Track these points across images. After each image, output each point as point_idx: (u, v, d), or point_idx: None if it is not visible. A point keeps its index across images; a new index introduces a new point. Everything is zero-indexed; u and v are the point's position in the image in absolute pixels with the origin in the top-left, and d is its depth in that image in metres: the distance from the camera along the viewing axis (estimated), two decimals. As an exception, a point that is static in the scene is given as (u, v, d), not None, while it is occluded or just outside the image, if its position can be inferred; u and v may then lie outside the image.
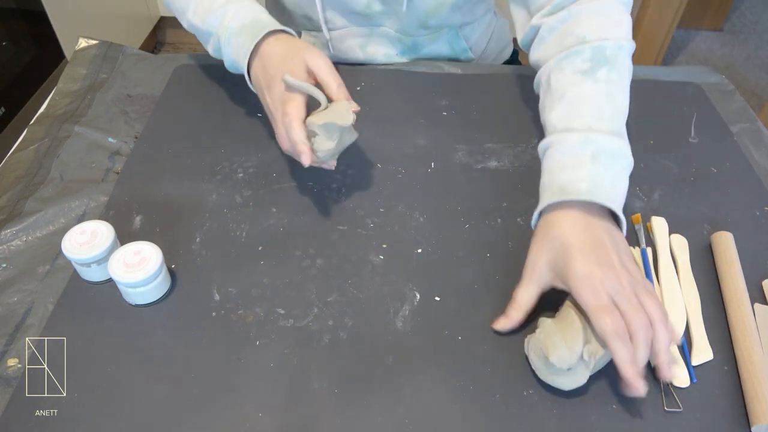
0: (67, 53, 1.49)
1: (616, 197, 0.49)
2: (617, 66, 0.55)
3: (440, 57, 0.83)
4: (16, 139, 0.68)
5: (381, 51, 0.80)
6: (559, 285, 0.48)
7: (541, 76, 0.61)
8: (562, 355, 0.45)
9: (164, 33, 2.15)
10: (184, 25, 0.68)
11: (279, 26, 0.60)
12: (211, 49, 0.66)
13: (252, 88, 0.62)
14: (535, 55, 0.63)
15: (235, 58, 0.62)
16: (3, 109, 1.32)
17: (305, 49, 0.57)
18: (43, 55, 1.44)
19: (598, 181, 0.48)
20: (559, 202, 0.49)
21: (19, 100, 1.37)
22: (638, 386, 0.42)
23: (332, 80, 0.55)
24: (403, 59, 0.82)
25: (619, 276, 0.45)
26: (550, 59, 0.59)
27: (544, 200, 0.50)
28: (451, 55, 0.83)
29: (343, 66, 0.82)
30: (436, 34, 0.79)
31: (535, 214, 0.51)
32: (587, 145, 0.50)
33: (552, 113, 0.54)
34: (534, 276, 0.49)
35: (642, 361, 0.43)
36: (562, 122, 0.53)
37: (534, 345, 0.48)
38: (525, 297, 0.49)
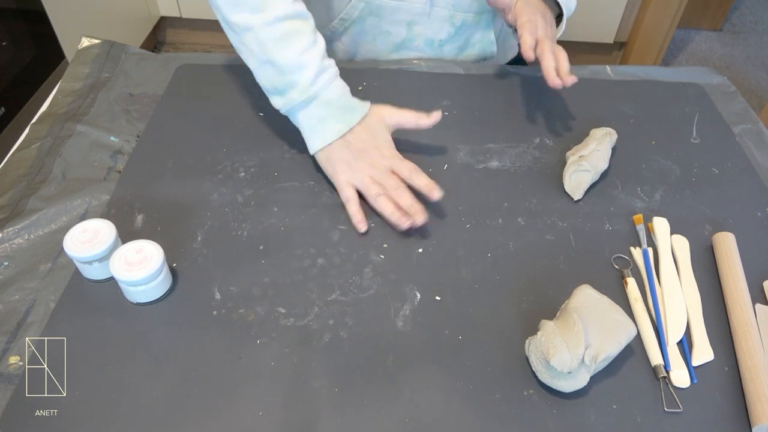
0: (67, 53, 1.49)
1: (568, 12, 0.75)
2: None
3: (473, 48, 0.85)
4: (16, 140, 0.68)
5: (426, 33, 0.81)
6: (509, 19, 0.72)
7: None
8: (563, 358, 0.45)
9: (164, 33, 2.15)
10: (225, 27, 0.64)
11: (365, 108, 0.64)
12: (263, 78, 0.63)
13: (321, 153, 0.63)
14: None
15: (301, 120, 0.63)
16: (3, 109, 1.32)
17: (377, 115, 0.64)
18: (43, 55, 1.44)
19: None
20: None
21: (19, 100, 1.37)
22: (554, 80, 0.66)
23: (410, 116, 0.65)
24: (443, 49, 0.83)
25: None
26: None
27: None
28: (480, 49, 0.85)
29: (345, 66, 0.82)
30: (480, 16, 0.81)
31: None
32: None
33: None
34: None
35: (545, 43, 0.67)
36: None
37: (535, 347, 0.48)
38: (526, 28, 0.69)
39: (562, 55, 0.67)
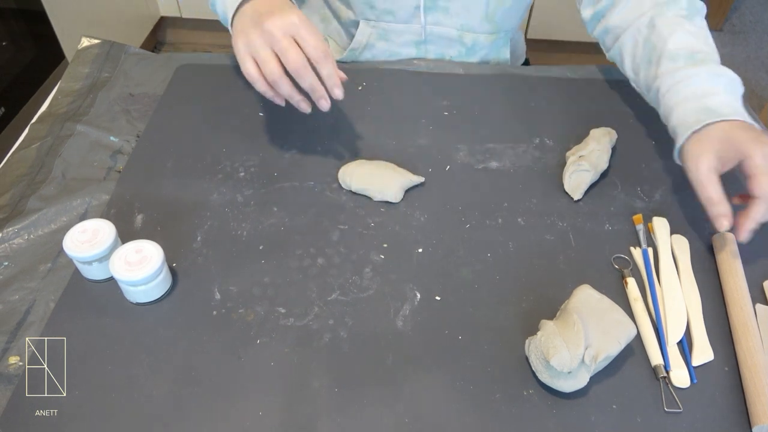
0: (67, 53, 1.49)
1: (746, 117, 0.57)
2: (704, 18, 0.67)
3: (491, 61, 0.84)
4: (16, 140, 0.68)
5: (437, 51, 0.81)
6: (729, 164, 0.55)
7: (638, 23, 0.68)
8: (563, 358, 0.45)
9: (164, 33, 2.15)
10: None
11: None
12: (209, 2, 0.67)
13: (232, 33, 0.59)
14: (614, 19, 0.71)
15: (222, 10, 0.62)
16: (3, 109, 1.32)
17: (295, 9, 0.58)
18: (43, 55, 1.44)
19: (734, 105, 0.57)
20: (707, 124, 0.56)
21: (19, 100, 1.37)
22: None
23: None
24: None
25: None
26: (644, 13, 0.67)
27: (700, 121, 0.56)
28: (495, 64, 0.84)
29: (345, 66, 0.82)
30: (495, 37, 0.80)
31: (685, 135, 0.57)
32: (719, 78, 0.60)
33: (669, 43, 0.63)
34: (712, 172, 0.54)
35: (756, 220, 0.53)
36: (682, 51, 0.62)
37: (535, 347, 0.47)
38: (716, 189, 0.54)
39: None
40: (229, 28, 0.60)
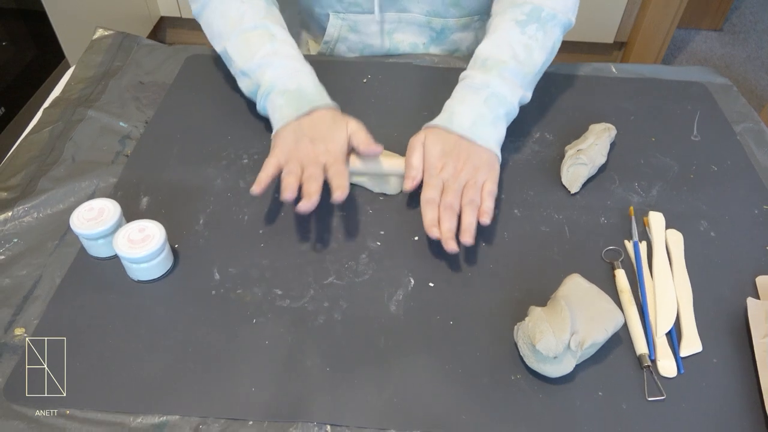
0: (67, 53, 1.47)
1: (489, 136, 0.61)
2: (546, 28, 0.66)
3: (466, 48, 0.84)
4: (16, 140, 0.69)
5: (408, 39, 0.82)
6: None
7: (491, 19, 0.71)
8: (548, 343, 0.46)
9: (164, 33, 2.15)
10: (216, 48, 0.70)
11: (323, 101, 0.62)
12: (242, 86, 0.68)
13: (275, 133, 0.62)
14: (493, 9, 0.73)
15: (268, 111, 0.64)
16: (3, 109, 1.31)
17: (342, 119, 0.61)
18: (43, 55, 1.42)
19: (479, 121, 0.61)
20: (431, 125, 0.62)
21: (19, 100, 1.36)
22: (449, 245, 0.54)
23: (365, 136, 0.61)
24: (429, 50, 0.83)
25: (458, 169, 0.59)
26: (496, 11, 0.70)
27: (437, 121, 0.62)
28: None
29: (348, 60, 0.83)
30: (466, 20, 0.80)
31: (427, 124, 0.63)
32: (485, 89, 0.62)
33: (481, 45, 0.67)
34: (418, 146, 0.61)
35: (445, 226, 0.55)
36: (482, 56, 0.65)
37: (522, 332, 0.48)
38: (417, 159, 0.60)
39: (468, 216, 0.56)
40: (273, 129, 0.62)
